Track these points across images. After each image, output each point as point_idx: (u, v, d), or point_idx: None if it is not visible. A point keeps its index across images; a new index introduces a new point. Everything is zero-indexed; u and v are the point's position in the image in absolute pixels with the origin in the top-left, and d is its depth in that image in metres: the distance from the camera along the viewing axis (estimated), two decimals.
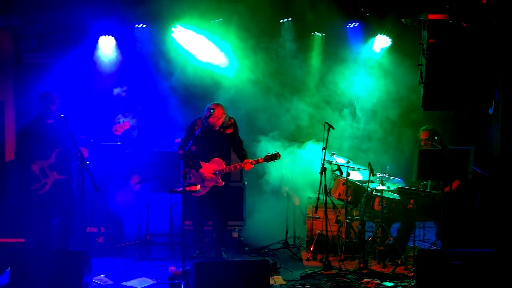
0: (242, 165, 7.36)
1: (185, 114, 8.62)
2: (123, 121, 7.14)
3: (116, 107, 8.54)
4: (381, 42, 8.75)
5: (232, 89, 8.58)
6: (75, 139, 6.80)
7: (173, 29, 8.52)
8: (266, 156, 7.37)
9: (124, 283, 6.59)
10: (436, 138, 7.25)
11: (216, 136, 7.33)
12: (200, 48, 8.59)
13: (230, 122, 7.39)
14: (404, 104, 8.94)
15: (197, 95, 8.71)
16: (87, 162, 6.85)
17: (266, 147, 8.04)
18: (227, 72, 8.66)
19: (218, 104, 7.28)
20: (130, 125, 7.18)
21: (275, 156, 7.35)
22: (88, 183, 6.89)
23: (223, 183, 7.36)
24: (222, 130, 7.32)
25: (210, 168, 7.32)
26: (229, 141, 7.43)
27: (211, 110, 7.15)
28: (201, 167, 7.28)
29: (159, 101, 8.79)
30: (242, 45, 8.49)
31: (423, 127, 7.56)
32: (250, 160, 7.35)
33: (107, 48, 8.62)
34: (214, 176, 7.30)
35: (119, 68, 8.74)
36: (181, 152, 7.00)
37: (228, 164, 7.39)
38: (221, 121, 7.25)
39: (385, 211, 7.25)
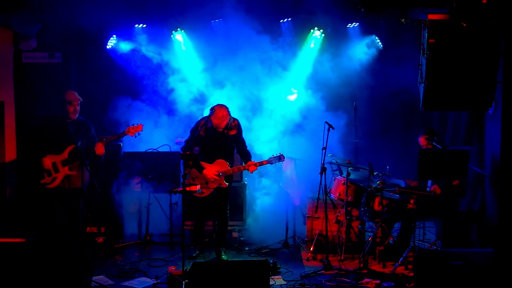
0: (246, 167, 7.33)
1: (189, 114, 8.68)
2: (136, 123, 7.17)
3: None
4: (382, 41, 8.76)
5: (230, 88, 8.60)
6: (90, 139, 6.89)
7: (173, 31, 8.53)
8: (270, 158, 7.34)
9: (124, 283, 6.59)
10: (436, 138, 7.26)
11: (220, 137, 7.32)
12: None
13: (234, 124, 7.38)
14: (404, 104, 8.95)
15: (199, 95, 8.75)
16: (87, 162, 6.88)
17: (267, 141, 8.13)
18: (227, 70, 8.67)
19: (222, 105, 7.26)
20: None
21: (279, 158, 7.33)
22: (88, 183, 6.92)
23: (227, 185, 7.35)
24: (226, 131, 7.30)
25: (214, 169, 7.30)
26: (233, 143, 7.42)
27: (213, 110, 7.15)
28: (202, 168, 7.28)
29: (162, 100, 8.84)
30: (242, 44, 8.50)
31: (421, 132, 7.55)
32: (254, 162, 7.32)
33: (111, 47, 8.64)
34: (218, 178, 7.29)
35: (121, 66, 8.76)
36: (181, 152, 7.01)
37: (231, 165, 7.38)
38: (225, 122, 7.23)
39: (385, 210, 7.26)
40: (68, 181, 7.07)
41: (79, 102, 7.20)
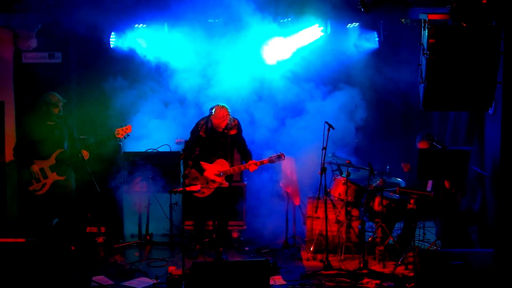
0: (247, 166, 7.35)
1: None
2: (125, 125, 7.13)
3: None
4: (382, 41, 8.74)
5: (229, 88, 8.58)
6: (75, 141, 6.85)
7: (173, 30, 8.51)
8: (270, 156, 7.36)
9: (124, 283, 6.59)
10: (435, 138, 7.24)
11: (220, 137, 7.34)
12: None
13: (234, 123, 7.40)
14: (404, 104, 8.95)
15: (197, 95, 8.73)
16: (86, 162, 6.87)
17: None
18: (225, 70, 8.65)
19: (222, 106, 7.28)
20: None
21: (279, 157, 7.35)
22: (88, 183, 6.91)
23: (228, 184, 7.36)
24: (226, 131, 7.31)
25: (215, 169, 7.32)
26: (233, 142, 7.43)
27: (213, 110, 7.17)
28: (202, 168, 7.29)
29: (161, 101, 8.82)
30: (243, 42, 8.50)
31: (418, 137, 7.52)
32: (255, 161, 7.35)
33: (111, 46, 8.62)
34: (219, 178, 7.30)
35: (121, 66, 8.75)
36: (182, 152, 7.01)
37: (232, 165, 7.39)
38: (225, 122, 7.25)
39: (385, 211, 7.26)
40: (58, 186, 7.01)
41: (62, 103, 7.09)
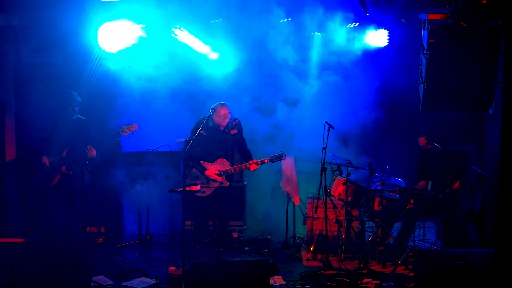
0: (248, 166, 7.38)
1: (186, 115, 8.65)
2: (131, 123, 7.18)
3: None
4: (381, 40, 8.73)
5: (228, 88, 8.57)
6: (87, 138, 6.94)
7: (173, 29, 8.50)
8: (271, 156, 7.39)
9: (124, 283, 6.59)
10: (436, 138, 7.25)
11: (221, 136, 7.36)
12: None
13: (235, 123, 7.42)
14: (405, 104, 8.94)
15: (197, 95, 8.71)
16: (87, 163, 6.90)
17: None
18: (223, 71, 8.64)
19: (223, 104, 7.31)
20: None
21: (280, 157, 7.37)
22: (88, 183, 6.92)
23: (228, 183, 7.37)
24: (226, 130, 7.33)
25: (215, 168, 7.33)
26: (234, 142, 7.44)
27: (214, 110, 7.18)
28: (202, 167, 7.29)
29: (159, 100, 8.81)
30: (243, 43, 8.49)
31: (420, 133, 7.54)
32: (256, 161, 7.37)
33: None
34: (220, 177, 7.31)
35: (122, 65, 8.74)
36: (183, 152, 7.03)
37: (232, 164, 7.40)
38: (226, 121, 7.28)
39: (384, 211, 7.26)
40: (66, 181, 7.08)
41: (78, 103, 7.20)
